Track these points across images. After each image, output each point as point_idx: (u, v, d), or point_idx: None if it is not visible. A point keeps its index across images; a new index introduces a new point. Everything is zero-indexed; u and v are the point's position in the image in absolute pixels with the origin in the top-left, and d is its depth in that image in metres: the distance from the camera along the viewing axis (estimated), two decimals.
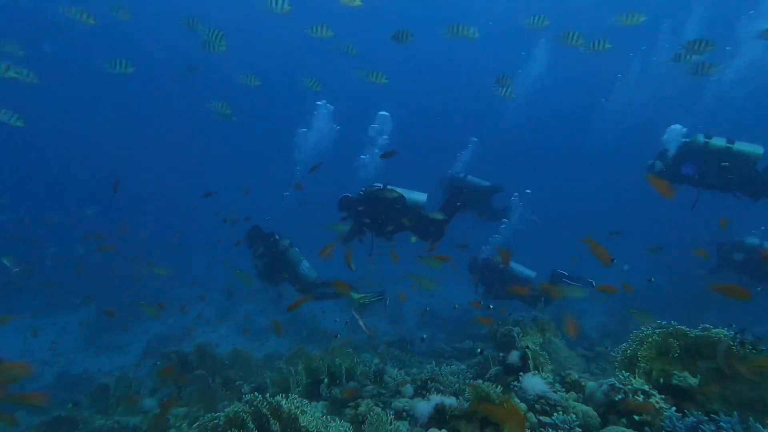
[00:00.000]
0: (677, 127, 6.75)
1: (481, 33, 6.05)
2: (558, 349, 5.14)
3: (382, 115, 7.92)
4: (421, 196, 6.68)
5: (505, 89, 6.65)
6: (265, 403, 2.19)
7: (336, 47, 6.91)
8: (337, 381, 4.58)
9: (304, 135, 9.41)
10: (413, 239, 6.86)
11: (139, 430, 3.66)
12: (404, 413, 3.42)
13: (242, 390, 4.85)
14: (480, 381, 2.59)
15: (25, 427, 4.70)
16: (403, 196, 6.56)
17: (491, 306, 5.53)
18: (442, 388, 3.73)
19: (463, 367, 4.32)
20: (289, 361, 4.79)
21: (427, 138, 28.03)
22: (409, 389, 3.82)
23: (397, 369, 4.26)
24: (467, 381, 3.88)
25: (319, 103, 9.22)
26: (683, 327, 2.88)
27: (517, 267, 7.95)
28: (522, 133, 28.37)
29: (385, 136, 7.96)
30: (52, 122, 27.60)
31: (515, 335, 4.96)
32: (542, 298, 7.57)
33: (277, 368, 4.90)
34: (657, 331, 2.93)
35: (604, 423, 2.79)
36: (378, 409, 3.14)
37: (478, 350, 5.25)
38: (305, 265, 7.18)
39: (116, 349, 10.40)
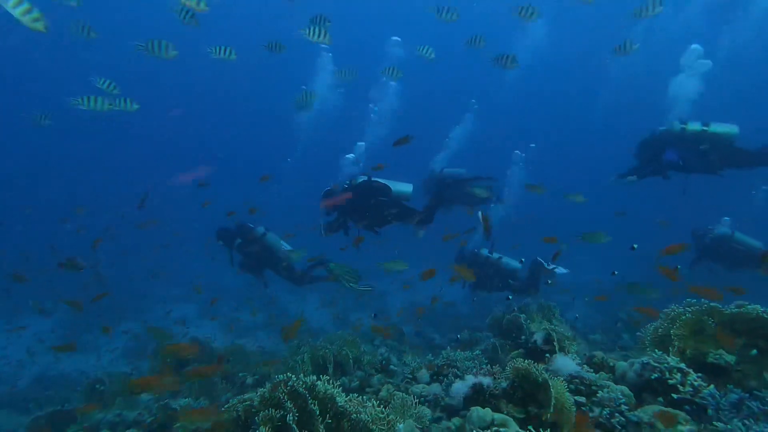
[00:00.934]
0: (696, 47, 6.67)
1: None
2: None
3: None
4: (406, 187, 6.58)
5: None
6: (301, 383, 2.04)
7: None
8: (345, 370, 4.45)
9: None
10: (419, 234, 6.75)
11: (141, 423, 3.45)
12: (422, 398, 3.31)
13: (245, 382, 4.67)
14: (521, 360, 2.49)
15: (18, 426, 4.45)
16: (389, 187, 6.45)
17: (510, 297, 5.46)
18: (459, 372, 3.63)
19: (477, 352, 4.22)
20: (293, 352, 4.61)
21: (425, 113, 27.05)
22: (425, 375, 3.71)
23: (411, 356, 4.15)
24: (483, 365, 3.79)
25: (323, 45, 8.20)
26: (717, 305, 2.84)
27: (503, 259, 7.91)
28: (522, 103, 27.58)
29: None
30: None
31: (522, 322, 4.90)
32: (536, 287, 7.55)
33: (281, 359, 4.73)
34: (689, 309, 2.87)
35: (639, 402, 2.72)
36: (401, 394, 3.02)
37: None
38: (286, 248, 7.04)
39: (95, 349, 10.01)
